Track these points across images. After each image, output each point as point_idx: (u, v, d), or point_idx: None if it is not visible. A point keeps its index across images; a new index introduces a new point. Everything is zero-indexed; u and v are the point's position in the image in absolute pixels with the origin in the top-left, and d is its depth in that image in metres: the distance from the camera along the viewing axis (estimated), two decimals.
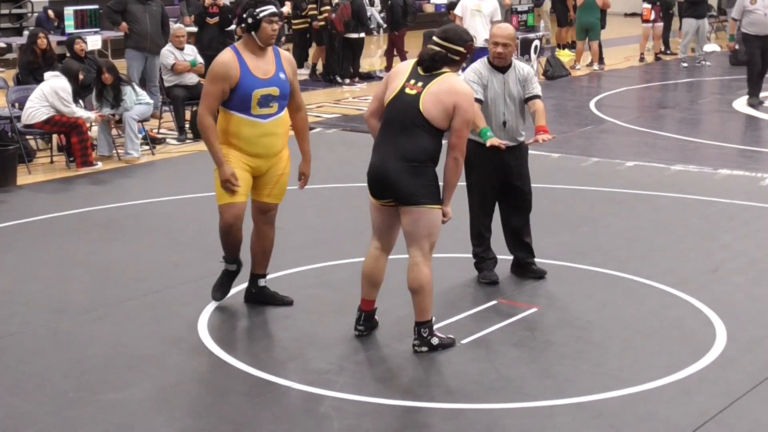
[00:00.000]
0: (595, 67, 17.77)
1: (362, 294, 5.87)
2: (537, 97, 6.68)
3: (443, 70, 5.53)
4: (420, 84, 5.48)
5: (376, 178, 5.58)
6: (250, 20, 5.85)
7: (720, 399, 5.15)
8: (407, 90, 5.50)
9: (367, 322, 5.90)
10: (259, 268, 6.38)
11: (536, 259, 7.06)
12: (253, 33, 5.90)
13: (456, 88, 5.49)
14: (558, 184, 9.62)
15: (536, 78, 6.81)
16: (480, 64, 6.70)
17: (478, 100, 6.63)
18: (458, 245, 7.50)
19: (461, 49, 5.56)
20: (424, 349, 5.68)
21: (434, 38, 5.63)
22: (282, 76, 6.01)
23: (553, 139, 6.67)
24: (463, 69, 6.75)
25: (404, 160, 5.47)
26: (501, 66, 6.64)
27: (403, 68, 5.64)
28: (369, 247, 5.83)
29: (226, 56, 5.92)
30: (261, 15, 5.87)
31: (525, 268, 6.98)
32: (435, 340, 5.69)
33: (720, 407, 5.06)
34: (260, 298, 6.41)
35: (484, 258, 6.93)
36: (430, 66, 5.52)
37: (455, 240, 7.56)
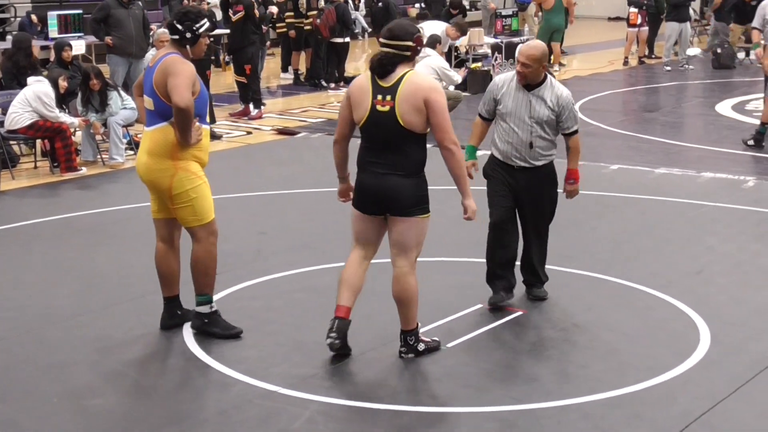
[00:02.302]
0: (556, 68, 17.82)
1: (339, 300, 5.60)
2: (573, 133, 6.38)
3: (403, 71, 5.37)
4: (389, 97, 5.33)
5: (372, 195, 5.48)
6: (189, 35, 5.74)
7: (704, 401, 5.17)
8: (379, 108, 5.35)
9: (340, 330, 5.59)
10: (177, 288, 6.16)
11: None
12: (188, 46, 5.78)
13: (421, 84, 5.34)
14: None
15: (573, 108, 6.37)
16: (508, 76, 6.39)
17: (482, 117, 6.46)
18: (444, 249, 7.52)
19: (409, 43, 5.36)
20: (411, 355, 5.66)
21: (381, 39, 5.47)
22: None
23: (572, 193, 6.59)
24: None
25: (400, 174, 5.40)
26: (524, 84, 6.26)
27: (362, 85, 5.44)
28: (350, 253, 5.69)
29: (189, 63, 5.75)
30: (201, 30, 5.77)
31: (527, 290, 6.69)
32: (421, 346, 5.67)
33: (704, 409, 5.08)
34: (185, 318, 6.15)
35: (491, 276, 6.55)
36: (382, 72, 5.37)
37: (442, 244, 7.57)
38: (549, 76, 6.33)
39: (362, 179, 5.54)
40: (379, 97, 5.36)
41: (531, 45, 6.33)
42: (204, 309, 6.00)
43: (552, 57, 17.65)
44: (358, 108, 5.46)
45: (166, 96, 5.64)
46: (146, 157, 5.84)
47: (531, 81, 6.23)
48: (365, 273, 5.67)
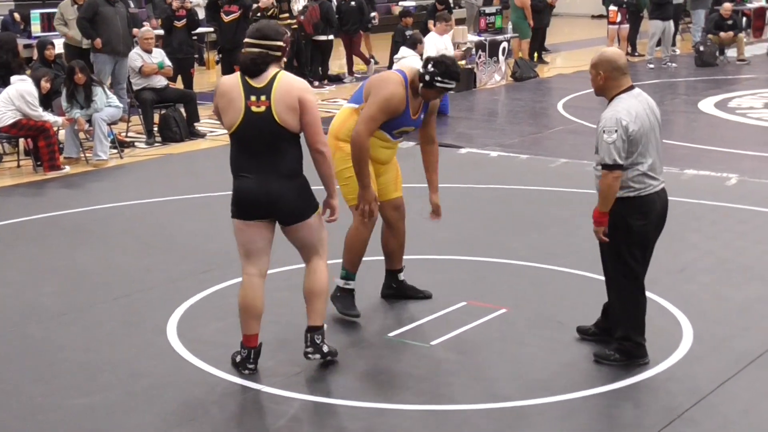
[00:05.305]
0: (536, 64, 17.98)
1: (244, 329, 5.44)
2: (603, 165, 5.40)
3: (274, 71, 5.23)
4: (263, 97, 5.17)
5: (254, 201, 5.28)
6: (427, 77, 5.96)
7: (687, 397, 5.20)
8: (253, 109, 5.18)
9: (257, 358, 5.49)
10: (398, 263, 6.53)
11: (507, 260, 7.07)
12: (421, 84, 6.01)
13: (294, 83, 5.24)
14: (527, 185, 9.67)
15: (607, 135, 5.37)
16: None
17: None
18: (428, 247, 7.53)
19: (279, 43, 5.26)
20: (317, 356, 5.49)
21: (248, 40, 5.29)
22: (422, 116, 6.22)
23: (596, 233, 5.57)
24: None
25: (284, 177, 5.26)
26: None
27: (229, 89, 5.26)
28: (243, 275, 5.46)
29: (399, 93, 5.98)
30: (437, 83, 5.97)
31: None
32: (326, 348, 5.51)
33: (687, 405, 5.11)
34: (401, 292, 6.56)
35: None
36: (255, 71, 5.21)
37: (427, 242, 7.59)
38: (625, 93, 5.51)
39: (243, 185, 5.31)
40: (253, 98, 5.19)
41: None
42: (339, 282, 6.27)
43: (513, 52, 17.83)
44: (228, 112, 5.26)
45: (368, 97, 6.02)
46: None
47: (597, 93, 5.63)
48: (263, 294, 5.46)
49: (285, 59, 5.40)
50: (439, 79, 5.96)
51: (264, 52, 5.24)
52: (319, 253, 5.49)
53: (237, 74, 5.32)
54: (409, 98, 6.03)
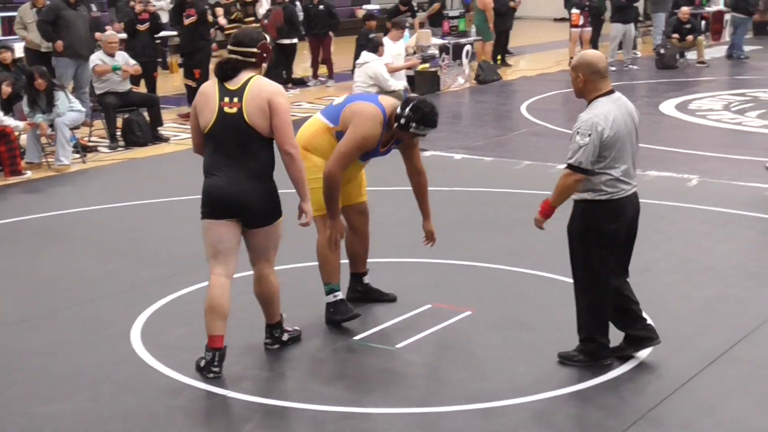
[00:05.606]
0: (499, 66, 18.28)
1: (209, 330, 5.42)
2: (567, 166, 5.58)
3: (248, 75, 5.38)
4: (236, 99, 5.33)
5: (225, 200, 5.39)
6: (402, 121, 5.94)
7: (651, 397, 5.25)
8: (226, 110, 5.34)
9: (222, 360, 5.46)
10: (362, 266, 6.54)
11: (472, 263, 7.09)
12: (396, 124, 5.98)
13: (265, 87, 5.35)
14: (491, 187, 9.71)
15: (580, 136, 5.44)
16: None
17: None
18: (393, 250, 7.54)
19: (254, 49, 5.39)
20: (276, 346, 5.86)
21: (228, 47, 5.51)
22: (393, 147, 6.22)
23: (535, 222, 5.92)
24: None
25: (253, 179, 5.37)
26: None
27: (207, 91, 5.44)
28: (211, 276, 5.47)
29: (375, 133, 5.97)
30: (411, 129, 5.96)
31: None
32: (285, 336, 5.89)
33: (651, 405, 5.15)
34: (366, 295, 6.56)
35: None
36: (223, 75, 5.38)
37: (391, 245, 7.60)
38: (604, 96, 5.55)
39: (213, 183, 5.42)
40: (226, 99, 5.36)
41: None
42: (328, 299, 6.19)
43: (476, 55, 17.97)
44: (204, 112, 5.41)
45: (345, 125, 5.98)
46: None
47: (577, 95, 5.60)
48: (230, 294, 5.49)
49: (265, 64, 5.47)
50: (414, 125, 5.97)
51: (234, 59, 5.41)
52: (269, 260, 5.63)
53: (215, 79, 5.45)
54: (382, 133, 6.03)
